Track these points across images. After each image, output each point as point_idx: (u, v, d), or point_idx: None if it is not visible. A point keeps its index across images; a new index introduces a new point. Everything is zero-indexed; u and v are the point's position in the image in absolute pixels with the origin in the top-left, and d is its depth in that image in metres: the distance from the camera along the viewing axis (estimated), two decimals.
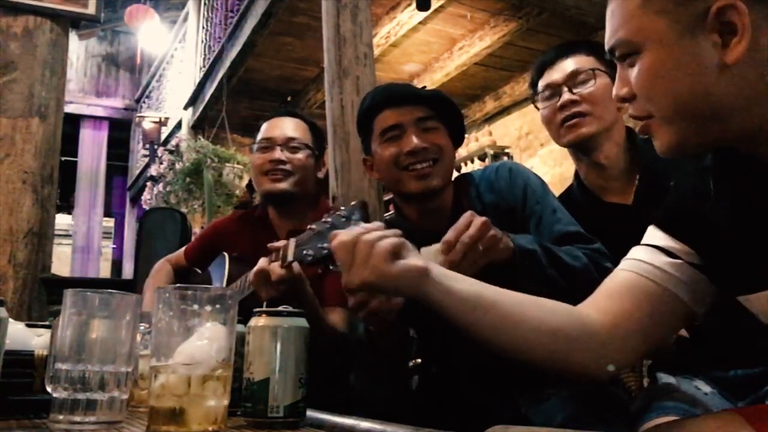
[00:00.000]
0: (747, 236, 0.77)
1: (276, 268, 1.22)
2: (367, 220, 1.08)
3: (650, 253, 0.86)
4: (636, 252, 0.88)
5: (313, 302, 1.36)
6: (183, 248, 1.97)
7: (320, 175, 1.79)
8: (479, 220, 1.10)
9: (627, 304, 0.84)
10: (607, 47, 0.80)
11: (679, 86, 0.73)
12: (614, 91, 0.81)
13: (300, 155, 1.71)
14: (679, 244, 0.84)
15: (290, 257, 1.20)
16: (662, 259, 0.84)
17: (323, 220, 1.14)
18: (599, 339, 0.83)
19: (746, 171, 0.78)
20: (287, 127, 1.75)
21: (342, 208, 1.11)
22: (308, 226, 1.18)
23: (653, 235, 0.88)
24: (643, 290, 0.84)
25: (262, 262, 1.26)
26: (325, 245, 1.11)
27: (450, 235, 1.09)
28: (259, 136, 1.76)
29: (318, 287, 1.47)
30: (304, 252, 1.16)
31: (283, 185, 1.69)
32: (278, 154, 1.69)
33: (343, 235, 0.87)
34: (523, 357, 0.86)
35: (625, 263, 0.88)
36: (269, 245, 1.28)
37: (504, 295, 0.86)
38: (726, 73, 0.71)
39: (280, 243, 1.26)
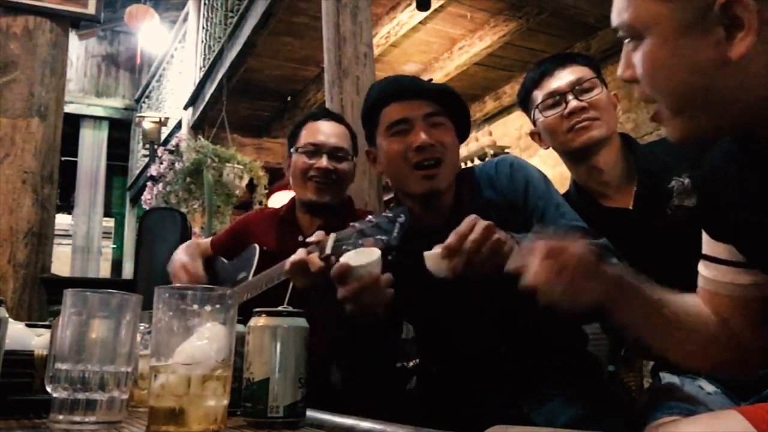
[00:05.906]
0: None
1: (314, 259, 1.23)
2: (409, 226, 1.11)
3: (713, 270, 0.90)
4: (704, 269, 0.93)
5: None
6: (208, 239, 2.00)
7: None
8: (482, 223, 1.05)
9: (727, 315, 0.90)
10: (612, 25, 0.79)
11: (680, 79, 0.72)
12: (618, 71, 0.80)
13: (344, 165, 1.70)
14: (727, 248, 0.88)
15: (328, 250, 1.22)
16: (726, 273, 0.89)
17: (368, 219, 1.17)
18: (738, 341, 0.89)
19: (763, 157, 0.78)
20: (334, 134, 1.71)
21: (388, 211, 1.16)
22: (350, 224, 1.20)
23: (707, 242, 0.92)
24: (731, 302, 0.89)
25: (301, 252, 1.26)
26: (364, 242, 1.14)
27: (452, 239, 1.03)
28: (303, 140, 1.72)
29: None
30: (343, 247, 1.18)
31: (327, 197, 1.68)
32: (325, 162, 1.66)
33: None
34: (681, 359, 0.96)
35: (700, 280, 0.93)
36: (308, 239, 1.29)
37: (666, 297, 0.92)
38: (730, 67, 0.69)
39: (319, 236, 1.27)
